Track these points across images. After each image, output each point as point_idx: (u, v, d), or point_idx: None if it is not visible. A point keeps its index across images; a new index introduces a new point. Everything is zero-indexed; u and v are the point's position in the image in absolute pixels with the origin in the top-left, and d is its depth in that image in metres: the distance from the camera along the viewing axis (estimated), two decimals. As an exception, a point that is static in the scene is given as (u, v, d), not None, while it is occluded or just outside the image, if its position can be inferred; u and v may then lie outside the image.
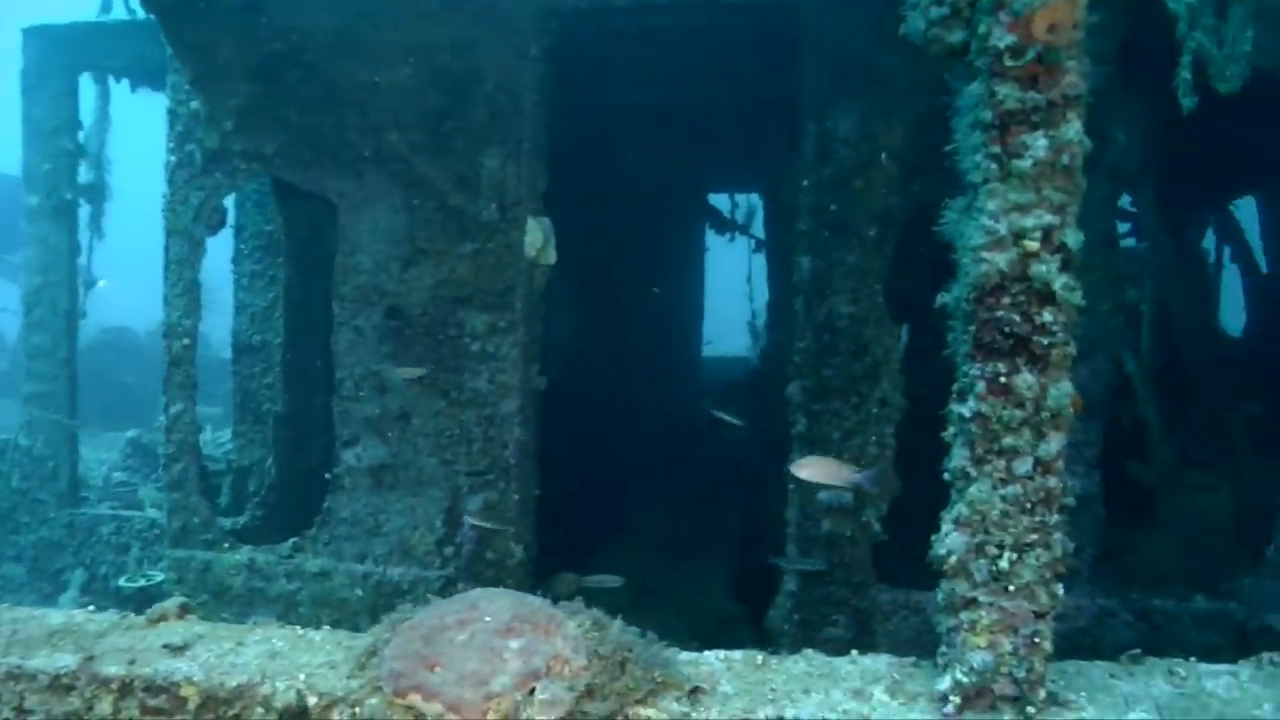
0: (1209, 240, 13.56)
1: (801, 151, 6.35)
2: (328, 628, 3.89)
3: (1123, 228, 11.01)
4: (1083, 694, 3.32)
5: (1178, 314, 9.58)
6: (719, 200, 14.55)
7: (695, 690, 3.18)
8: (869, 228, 6.21)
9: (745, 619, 8.20)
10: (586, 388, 10.31)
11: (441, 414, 6.77)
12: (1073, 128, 3.02)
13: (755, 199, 14.45)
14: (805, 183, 6.34)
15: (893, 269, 6.25)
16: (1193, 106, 5.47)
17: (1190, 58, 5.56)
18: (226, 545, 7.22)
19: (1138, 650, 3.63)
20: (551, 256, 6.64)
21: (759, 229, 14.05)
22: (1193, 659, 3.59)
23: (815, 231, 6.28)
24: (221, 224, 7.52)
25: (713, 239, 14.66)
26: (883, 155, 6.16)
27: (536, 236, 6.53)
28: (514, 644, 3.18)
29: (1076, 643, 6.53)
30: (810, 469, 5.31)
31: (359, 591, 6.92)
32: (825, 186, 6.25)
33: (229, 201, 7.74)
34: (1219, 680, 3.46)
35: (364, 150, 6.88)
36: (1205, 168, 9.98)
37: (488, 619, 3.28)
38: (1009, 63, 3.02)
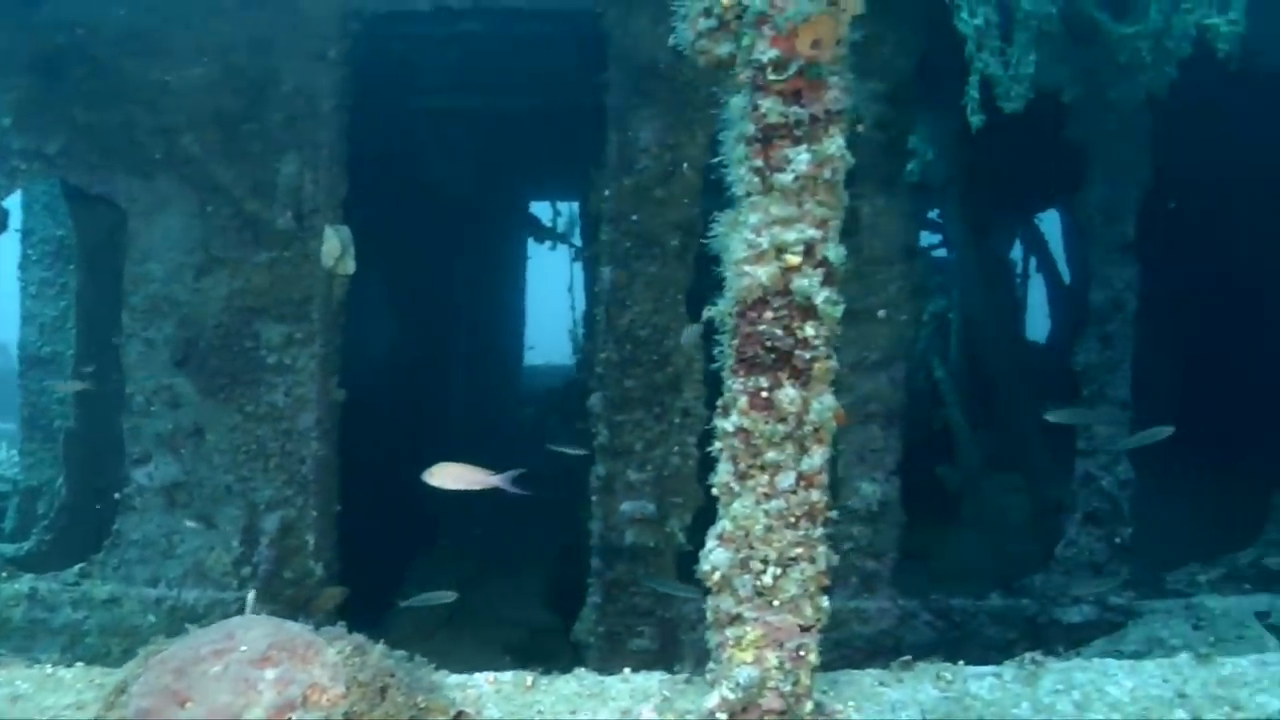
0: (1017, 251, 14.14)
1: (604, 161, 6.33)
2: (81, 665, 3.66)
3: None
4: (850, 703, 3.35)
5: (979, 323, 9.93)
6: (543, 208, 14.53)
7: (460, 715, 3.09)
8: (671, 238, 6.22)
9: (559, 630, 8.15)
10: (402, 397, 10.11)
11: (237, 429, 6.51)
12: (835, 143, 3.04)
13: (576, 207, 14.45)
14: (607, 192, 6.33)
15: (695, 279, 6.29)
16: (981, 125, 5.65)
17: (978, 78, 5.74)
18: (4, 574, 6.79)
19: (908, 657, 3.68)
20: (350, 266, 6.46)
21: (580, 237, 14.06)
22: (960, 662, 3.66)
23: (617, 241, 6.27)
24: (3, 227, 7.09)
25: (541, 247, 14.59)
26: (684, 165, 6.19)
27: (334, 245, 6.34)
28: (270, 674, 3.03)
29: (880, 644, 6.68)
30: (442, 475, 5.34)
31: (151, 617, 6.59)
32: (627, 196, 6.25)
33: (15, 204, 7.33)
34: (983, 682, 3.53)
35: (155, 153, 6.57)
36: (1010, 181, 10.34)
37: (244, 648, 3.12)
38: (772, 77, 3.03)
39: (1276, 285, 7.46)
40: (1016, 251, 14.14)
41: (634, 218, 6.23)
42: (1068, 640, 6.75)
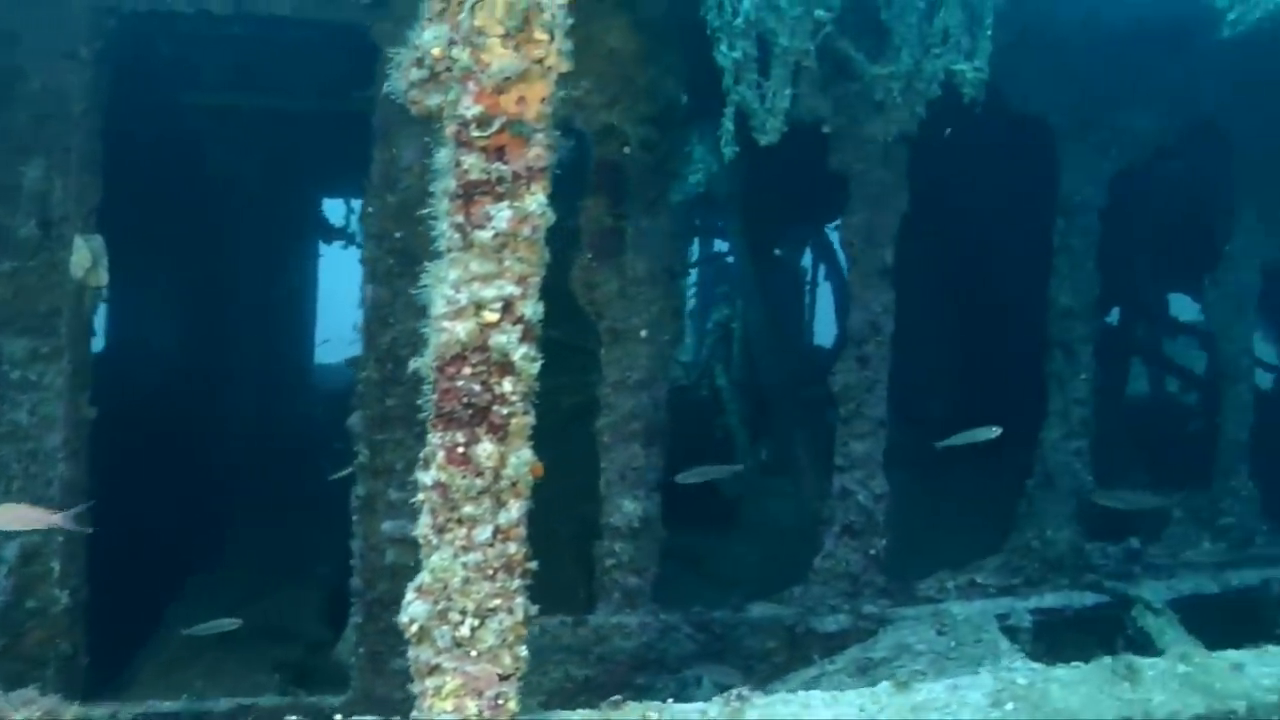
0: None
1: (369, 177, 6.25)
2: None
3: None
4: (552, 747, 3.42)
5: (757, 333, 10.22)
6: (337, 206, 14.24)
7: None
8: (434, 257, 6.17)
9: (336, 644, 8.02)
10: (177, 403, 9.77)
11: (-24, 449, 6.15)
12: (536, 200, 3.08)
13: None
14: (370, 209, 6.25)
15: None
16: (733, 156, 5.82)
17: (734, 109, 5.90)
18: None
19: (619, 697, 3.77)
20: (103, 278, 6.18)
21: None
22: (669, 700, 3.77)
23: (379, 259, 6.21)
24: None
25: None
26: None
27: (85, 256, 6.06)
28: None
29: (643, 658, 6.82)
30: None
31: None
32: (390, 214, 6.18)
33: None
34: (689, 714, 3.66)
35: (-113, 154, 6.16)
36: (798, 192, 10.64)
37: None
38: (475, 133, 3.05)
39: (1032, 298, 7.90)
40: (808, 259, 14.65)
41: (397, 235, 6.17)
42: (824, 649, 7.04)
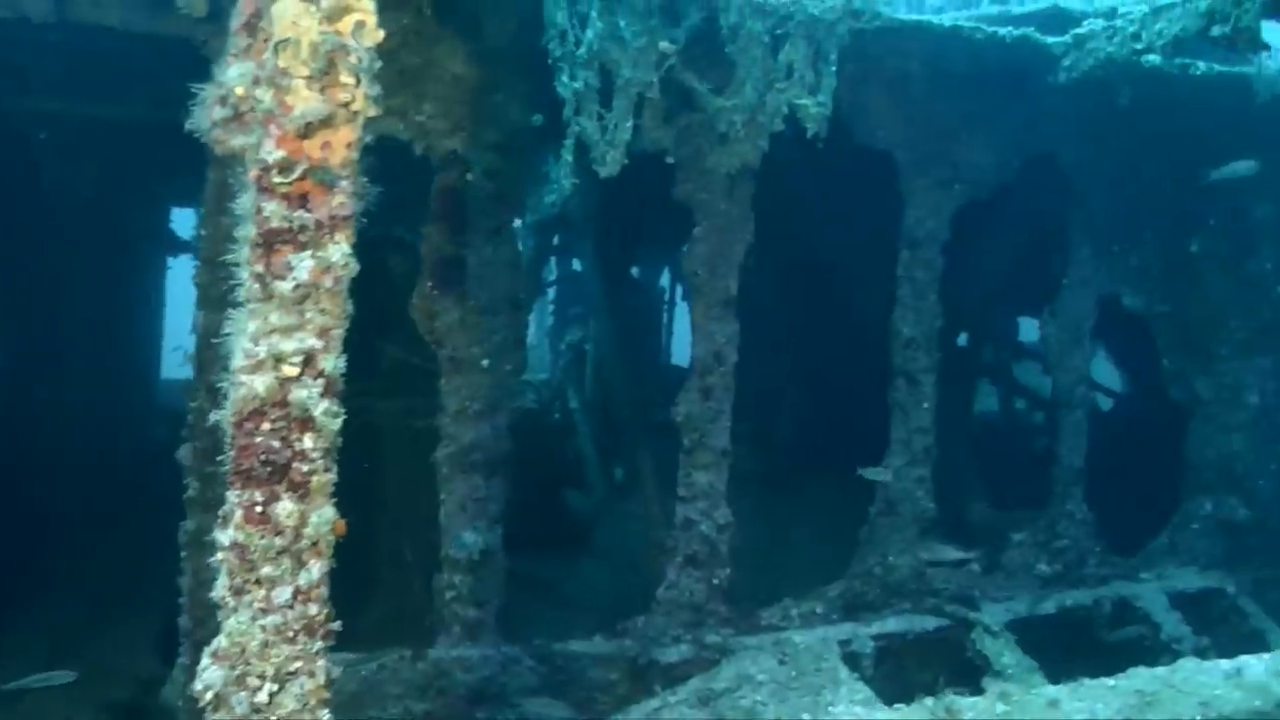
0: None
1: (203, 201, 6.04)
2: None
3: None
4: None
5: (608, 356, 10.21)
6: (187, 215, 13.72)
7: None
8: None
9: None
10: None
11: None
12: (340, 250, 2.98)
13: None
14: (203, 232, 6.04)
15: None
16: (571, 189, 5.78)
17: (574, 141, 5.86)
18: None
19: None
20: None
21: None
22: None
23: (210, 285, 5.99)
24: None
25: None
26: None
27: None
28: None
29: (483, 691, 6.72)
30: None
31: None
32: (224, 238, 5.96)
33: None
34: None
35: None
36: (655, 213, 10.65)
37: None
38: (277, 179, 2.93)
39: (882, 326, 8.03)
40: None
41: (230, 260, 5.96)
42: (666, 680, 7.04)
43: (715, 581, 7.20)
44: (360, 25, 2.96)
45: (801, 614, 7.66)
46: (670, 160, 6.72)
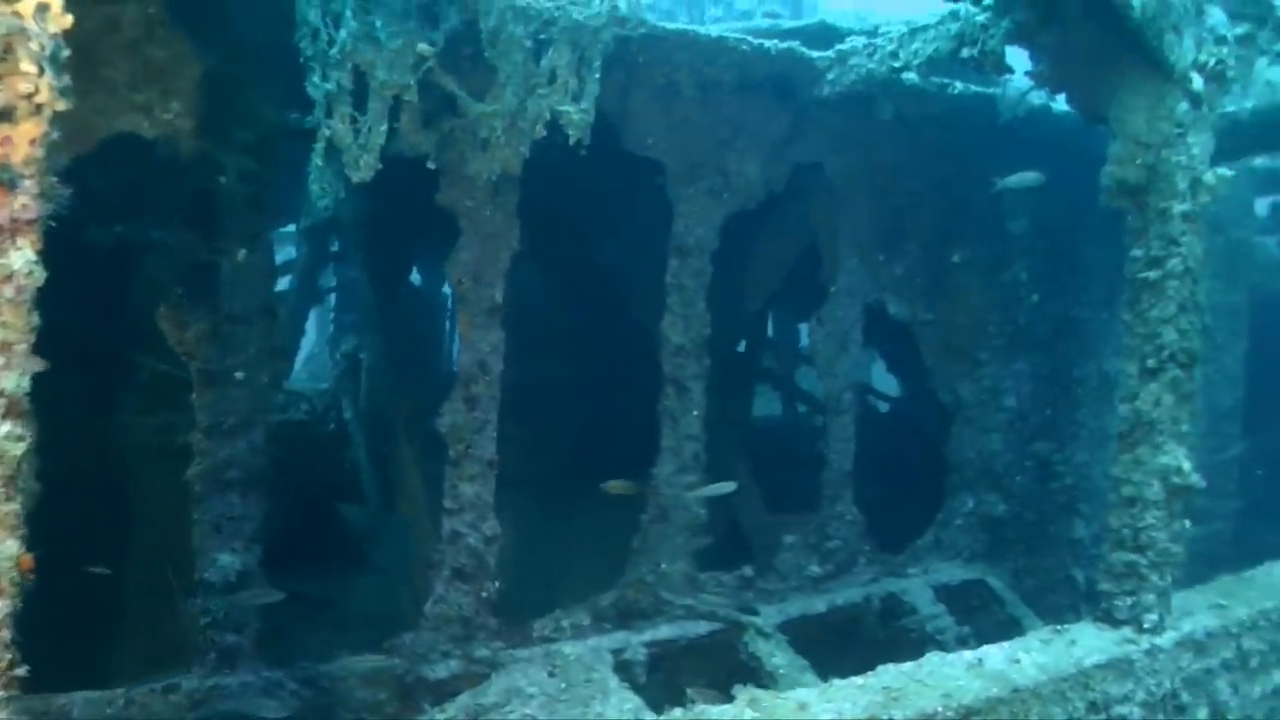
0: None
1: None
2: None
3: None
4: None
5: (377, 361, 9.97)
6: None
7: None
8: None
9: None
10: None
11: None
12: (23, 256, 2.74)
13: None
14: None
15: None
16: (325, 198, 5.57)
17: (325, 145, 5.65)
18: None
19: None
20: None
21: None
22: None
23: None
24: None
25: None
26: None
27: None
28: None
29: (242, 720, 6.42)
30: None
31: None
32: None
33: None
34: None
35: None
36: (429, 221, 10.44)
37: None
38: (-49, 179, 2.67)
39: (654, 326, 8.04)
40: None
41: None
42: (435, 697, 6.86)
43: (484, 594, 7.07)
44: (43, 8, 2.73)
45: (574, 624, 7.58)
46: (432, 166, 6.55)
